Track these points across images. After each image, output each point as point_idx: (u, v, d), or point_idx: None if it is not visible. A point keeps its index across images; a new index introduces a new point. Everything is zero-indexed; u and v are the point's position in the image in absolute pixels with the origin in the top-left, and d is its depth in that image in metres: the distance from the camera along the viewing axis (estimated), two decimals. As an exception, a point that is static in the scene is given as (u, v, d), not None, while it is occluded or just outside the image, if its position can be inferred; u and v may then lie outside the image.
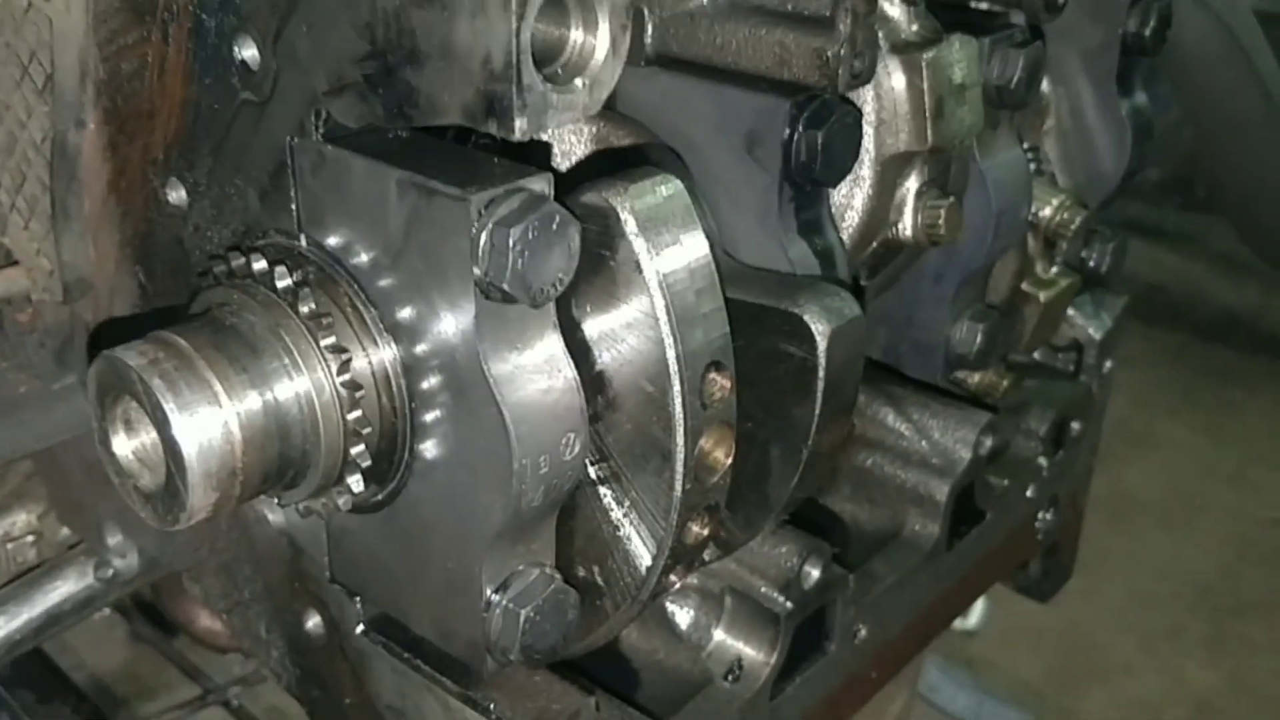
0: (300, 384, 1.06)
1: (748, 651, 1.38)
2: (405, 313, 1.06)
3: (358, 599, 1.28)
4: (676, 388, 1.09)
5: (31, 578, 1.74)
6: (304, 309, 1.07)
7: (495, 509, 1.05)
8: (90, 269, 1.42)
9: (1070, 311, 1.86)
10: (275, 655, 1.45)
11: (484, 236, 0.96)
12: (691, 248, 1.10)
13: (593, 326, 1.11)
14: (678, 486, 1.12)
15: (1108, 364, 1.92)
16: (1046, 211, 1.67)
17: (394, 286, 1.06)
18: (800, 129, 1.20)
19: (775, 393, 1.20)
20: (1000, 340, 1.60)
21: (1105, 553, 3.53)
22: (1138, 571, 3.90)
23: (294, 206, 1.13)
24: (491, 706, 1.20)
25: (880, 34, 1.31)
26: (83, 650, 3.12)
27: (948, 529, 1.61)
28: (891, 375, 1.63)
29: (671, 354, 1.08)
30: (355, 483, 1.10)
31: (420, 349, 1.06)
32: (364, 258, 1.08)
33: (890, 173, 1.39)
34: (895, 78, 1.35)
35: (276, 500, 1.14)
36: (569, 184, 1.08)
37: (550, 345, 1.05)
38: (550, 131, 1.24)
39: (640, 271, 1.08)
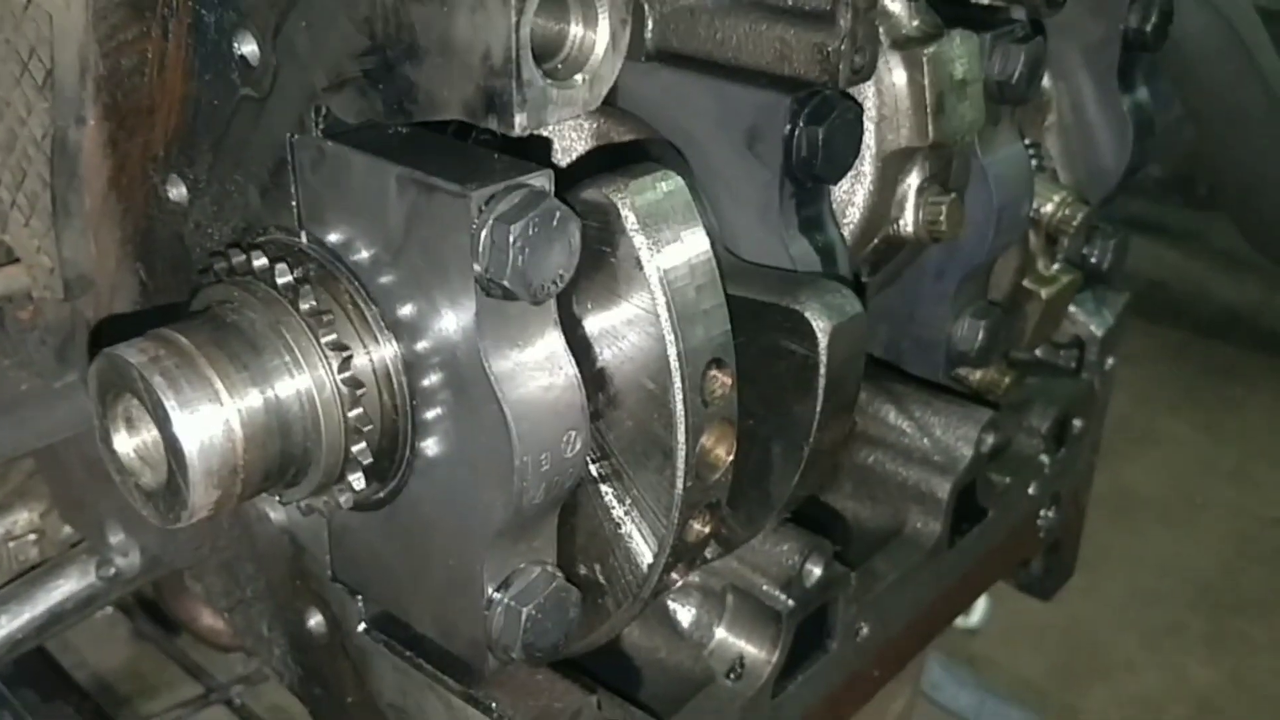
0: (301, 381, 1.06)
1: (749, 649, 1.38)
2: (406, 309, 1.06)
3: (359, 597, 1.28)
4: (677, 385, 1.09)
5: (33, 576, 1.73)
6: (305, 306, 1.07)
7: (497, 506, 1.05)
8: (91, 266, 1.42)
9: (1072, 308, 1.86)
10: (277, 653, 1.45)
11: (484, 233, 0.96)
12: (692, 244, 1.10)
13: (593, 323, 1.11)
14: (679, 484, 1.12)
15: (1109, 361, 1.92)
16: (1048, 208, 1.67)
17: (395, 283, 1.06)
18: (801, 125, 1.20)
19: (776, 390, 1.19)
20: (1002, 337, 1.60)
21: (1106, 550, 3.53)
22: (1139, 569, 3.90)
23: (294, 203, 1.13)
24: (493, 705, 1.19)
25: (881, 29, 1.30)
26: (85, 649, 3.11)
27: (949, 526, 1.61)
28: (893, 372, 1.63)
29: (672, 351, 1.08)
30: (357, 480, 1.10)
31: (421, 346, 1.05)
32: (364, 254, 1.08)
33: (891, 169, 1.39)
34: (896, 73, 1.35)
35: (278, 498, 1.14)
36: (569, 180, 1.08)
37: (551, 342, 1.04)
38: (550, 127, 1.24)
39: (641, 268, 1.07)
